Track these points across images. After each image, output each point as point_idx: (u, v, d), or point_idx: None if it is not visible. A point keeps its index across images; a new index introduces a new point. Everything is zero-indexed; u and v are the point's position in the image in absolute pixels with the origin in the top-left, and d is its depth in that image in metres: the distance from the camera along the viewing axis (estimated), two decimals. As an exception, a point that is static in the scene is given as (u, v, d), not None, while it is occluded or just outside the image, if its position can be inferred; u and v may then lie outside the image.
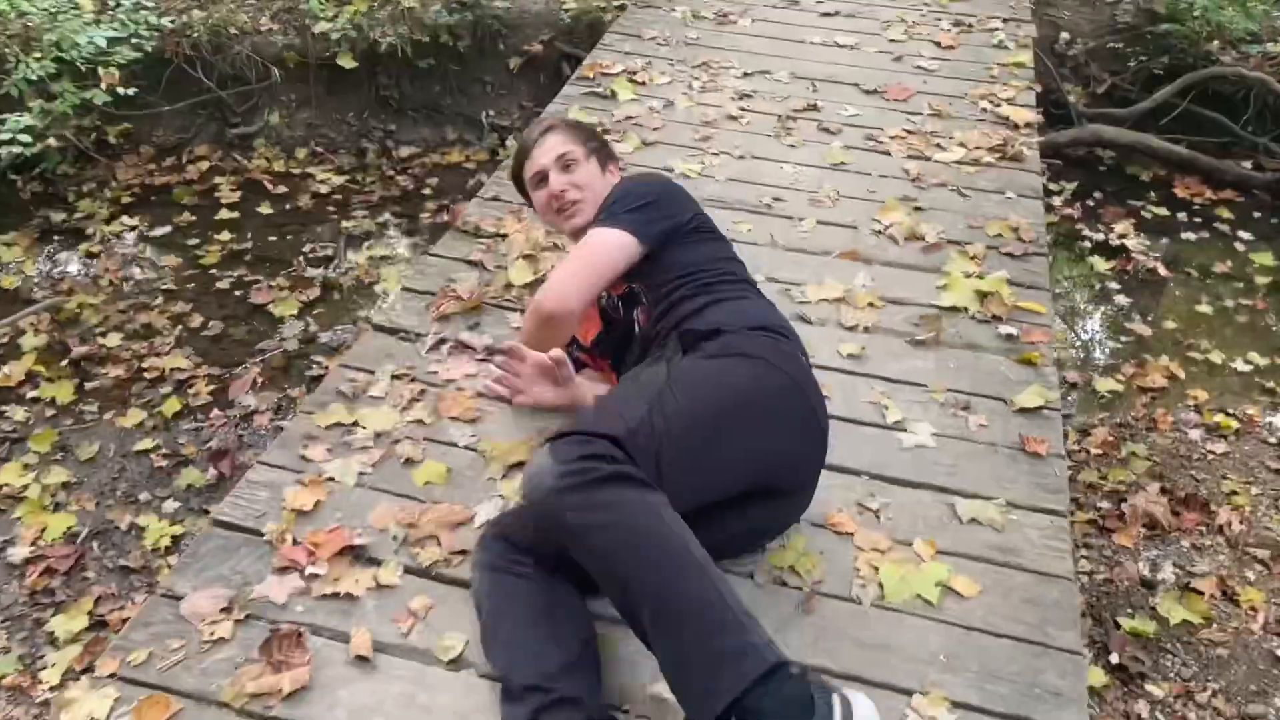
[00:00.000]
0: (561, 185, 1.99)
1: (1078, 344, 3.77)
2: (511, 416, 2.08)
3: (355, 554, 1.77)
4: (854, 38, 4.03)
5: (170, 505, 3.12)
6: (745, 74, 3.69)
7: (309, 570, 1.73)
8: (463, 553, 1.77)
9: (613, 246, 1.84)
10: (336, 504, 1.88)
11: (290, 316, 3.91)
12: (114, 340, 3.75)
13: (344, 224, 4.51)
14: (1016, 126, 3.38)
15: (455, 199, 4.68)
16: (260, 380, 3.62)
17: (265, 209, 4.57)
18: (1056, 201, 4.50)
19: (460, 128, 5.39)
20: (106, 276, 4.09)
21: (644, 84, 3.57)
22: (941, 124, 3.40)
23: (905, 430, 2.11)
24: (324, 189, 4.77)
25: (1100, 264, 4.09)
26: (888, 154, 3.21)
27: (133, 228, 4.44)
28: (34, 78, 3.82)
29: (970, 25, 4.16)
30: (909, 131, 3.34)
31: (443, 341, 2.30)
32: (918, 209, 2.91)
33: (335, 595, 1.70)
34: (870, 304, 2.50)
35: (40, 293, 4.02)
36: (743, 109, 3.45)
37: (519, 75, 5.37)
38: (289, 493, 1.89)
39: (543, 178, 2.02)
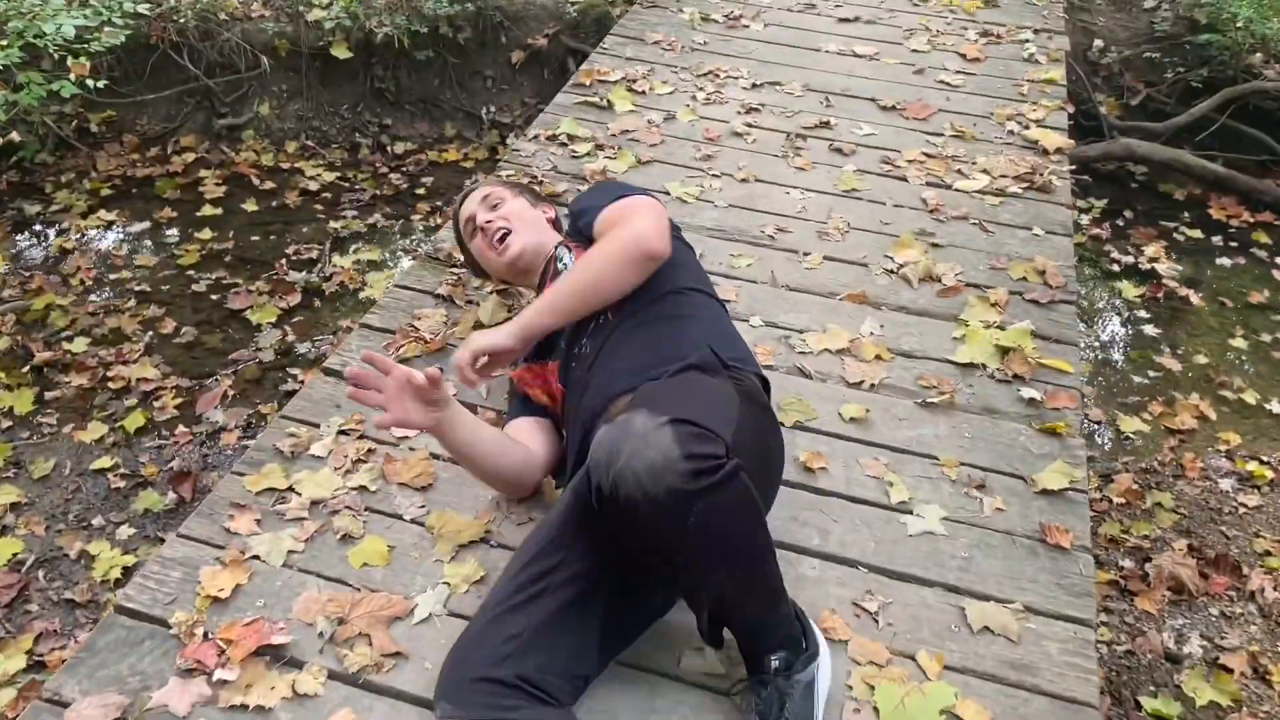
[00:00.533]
0: (488, 218, 1.97)
1: (1101, 376, 3.50)
2: (469, 485, 1.84)
3: (273, 654, 1.54)
4: (873, 47, 3.76)
5: (124, 532, 2.91)
6: (754, 85, 3.43)
7: (218, 674, 1.50)
8: (396, 654, 1.54)
9: (651, 201, 1.85)
10: (259, 589, 1.65)
11: (268, 324, 3.70)
12: (80, 345, 3.54)
13: (331, 224, 4.28)
14: (1046, 152, 3.11)
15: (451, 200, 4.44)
16: (231, 394, 3.41)
17: (250, 205, 4.35)
18: (1084, 219, 4.22)
19: (459, 123, 5.15)
20: (79, 275, 3.88)
21: (643, 94, 3.32)
22: (964, 147, 3.14)
23: (912, 513, 1.87)
24: (313, 186, 4.54)
25: (1128, 289, 3.82)
26: (904, 180, 2.95)
27: (110, 223, 4.23)
28: (-2, 67, 3.59)
29: (998, 36, 3.89)
30: (928, 155, 3.08)
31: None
32: (935, 245, 2.65)
33: (244, 707, 1.47)
34: (878, 356, 2.25)
35: (8, 291, 3.81)
36: (749, 124, 3.19)
37: (521, 70, 5.13)
38: (205, 574, 1.66)
39: (473, 221, 2.00)
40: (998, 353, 2.27)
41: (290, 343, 3.65)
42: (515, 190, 2.07)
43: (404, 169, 4.79)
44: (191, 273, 3.93)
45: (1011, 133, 3.23)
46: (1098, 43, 4.83)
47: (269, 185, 4.52)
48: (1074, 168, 3.46)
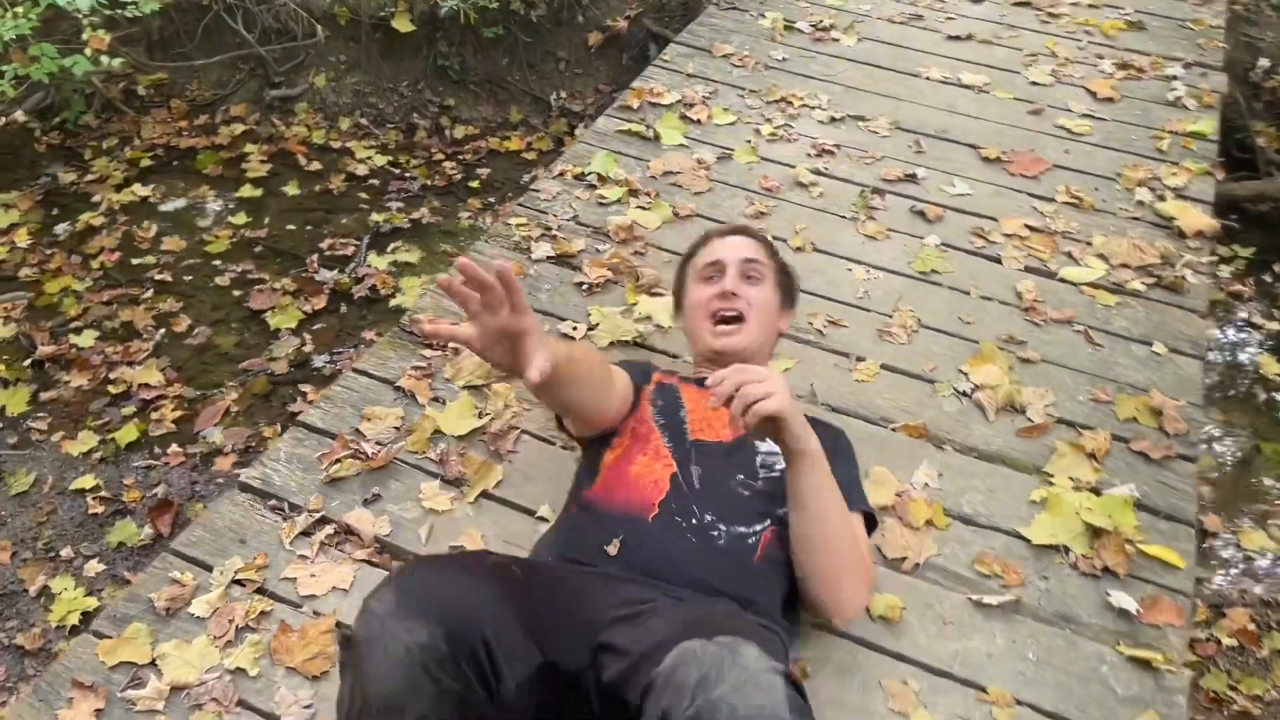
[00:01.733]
0: (735, 288, 1.67)
1: (1221, 474, 2.91)
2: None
3: None
4: (983, 75, 3.17)
5: (93, 568, 2.64)
6: (832, 119, 2.90)
7: None
8: None
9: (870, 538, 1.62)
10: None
11: (287, 330, 3.37)
12: (88, 339, 3.29)
13: (373, 216, 3.93)
14: (1183, 235, 2.52)
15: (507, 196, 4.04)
16: (234, 410, 3.10)
17: (292, 189, 4.03)
18: (1224, 272, 3.56)
19: (526, 108, 4.75)
20: (100, 258, 3.62)
21: (699, 123, 2.83)
22: (1079, 219, 2.57)
23: (939, 782, 1.40)
24: (361, 170, 4.21)
25: (1269, 364, 3.19)
26: (997, 261, 2.41)
27: (144, 198, 3.95)
28: (10, 36, 3.30)
29: (1140, 69, 3.25)
30: (1032, 227, 2.52)
31: (324, 521, 1.67)
32: (1024, 361, 2.12)
33: None
34: (930, 522, 1.76)
35: (26, 270, 3.57)
36: (818, 172, 2.67)
37: (598, 54, 4.69)
38: (11, 791, 1.30)
39: (718, 270, 1.70)
40: (1086, 533, 1.76)
41: (307, 354, 3.33)
42: (777, 276, 1.77)
43: (460, 156, 4.42)
44: (218, 263, 3.64)
45: (1141, 203, 2.64)
46: (1263, 62, 4.09)
47: (315, 166, 4.21)
48: (1217, 195, 2.84)
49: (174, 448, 2.95)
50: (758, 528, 1.47)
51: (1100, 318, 2.27)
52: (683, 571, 1.38)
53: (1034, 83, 3.16)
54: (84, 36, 3.37)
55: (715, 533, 1.43)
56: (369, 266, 3.66)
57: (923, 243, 2.45)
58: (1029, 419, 1.99)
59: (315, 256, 3.68)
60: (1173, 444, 1.95)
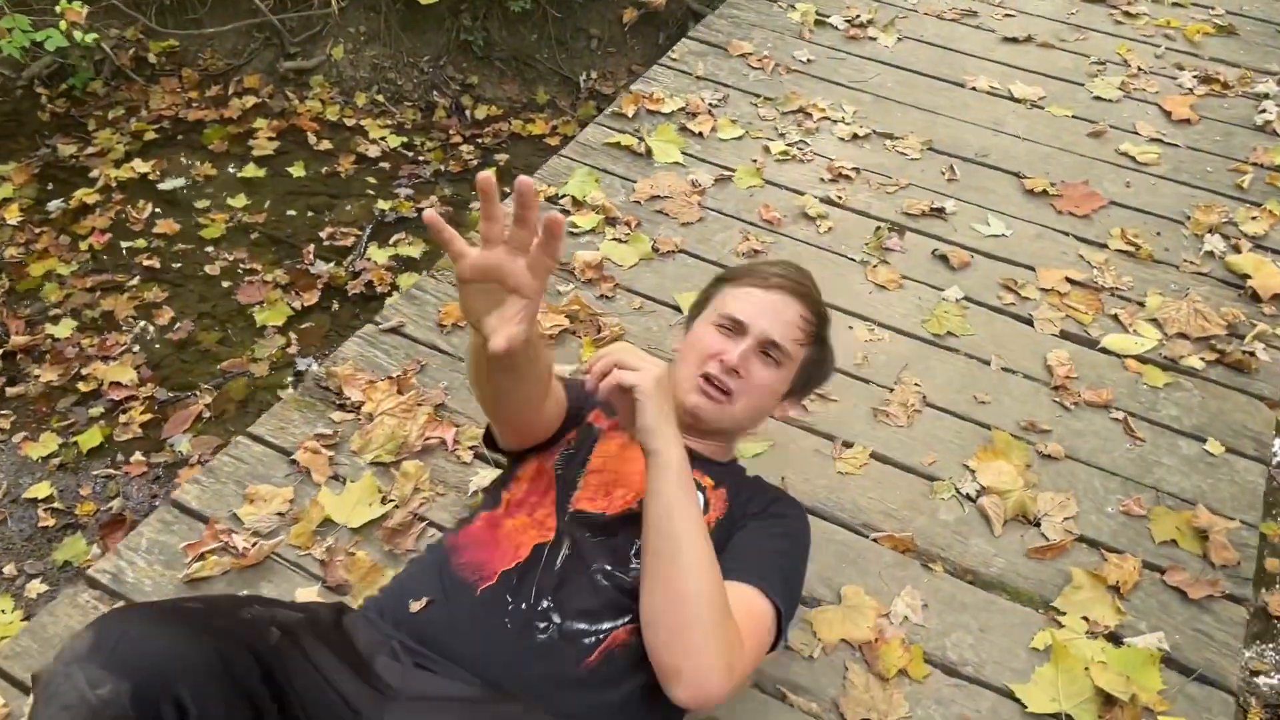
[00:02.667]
0: (741, 365, 1.35)
1: None
2: None
3: None
4: (1039, 87, 2.76)
5: (35, 588, 2.45)
6: (855, 135, 2.54)
7: None
8: None
9: (766, 631, 1.22)
10: None
11: (273, 328, 3.15)
12: (64, 329, 3.11)
13: (379, 204, 3.68)
14: (1257, 298, 2.12)
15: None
16: (207, 415, 2.89)
17: (297, 170, 3.81)
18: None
19: (553, 89, 4.45)
20: (90, 239, 3.44)
21: (700, 136, 2.48)
22: (1133, 272, 2.19)
23: None
24: (373, 151, 3.96)
25: None
26: (1028, 323, 2.05)
27: (142, 175, 3.76)
28: (-18, 9, 3.10)
29: (1225, 84, 2.80)
30: (1075, 282, 2.14)
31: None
32: (1045, 457, 1.77)
33: None
34: (903, 671, 1.44)
35: (11, 250, 3.40)
36: (830, 201, 2.32)
37: (633, 31, 4.39)
38: None
39: (737, 330, 1.38)
40: (1096, 700, 1.42)
41: (290, 355, 3.10)
42: (802, 367, 1.43)
43: (479, 139, 4.14)
44: (210, 249, 3.44)
45: (1210, 254, 2.24)
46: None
47: (325, 145, 3.97)
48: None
49: (137, 456, 2.75)
50: (606, 626, 1.18)
51: (1145, 402, 1.90)
52: (475, 662, 1.13)
53: (1098, 97, 2.74)
54: (58, 9, 3.15)
55: (542, 624, 1.16)
56: (367, 260, 3.42)
57: (941, 296, 2.09)
58: (1043, 535, 1.65)
59: (312, 247, 3.45)
60: (1218, 579, 1.60)
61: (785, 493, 1.47)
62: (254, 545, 1.51)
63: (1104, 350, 2.00)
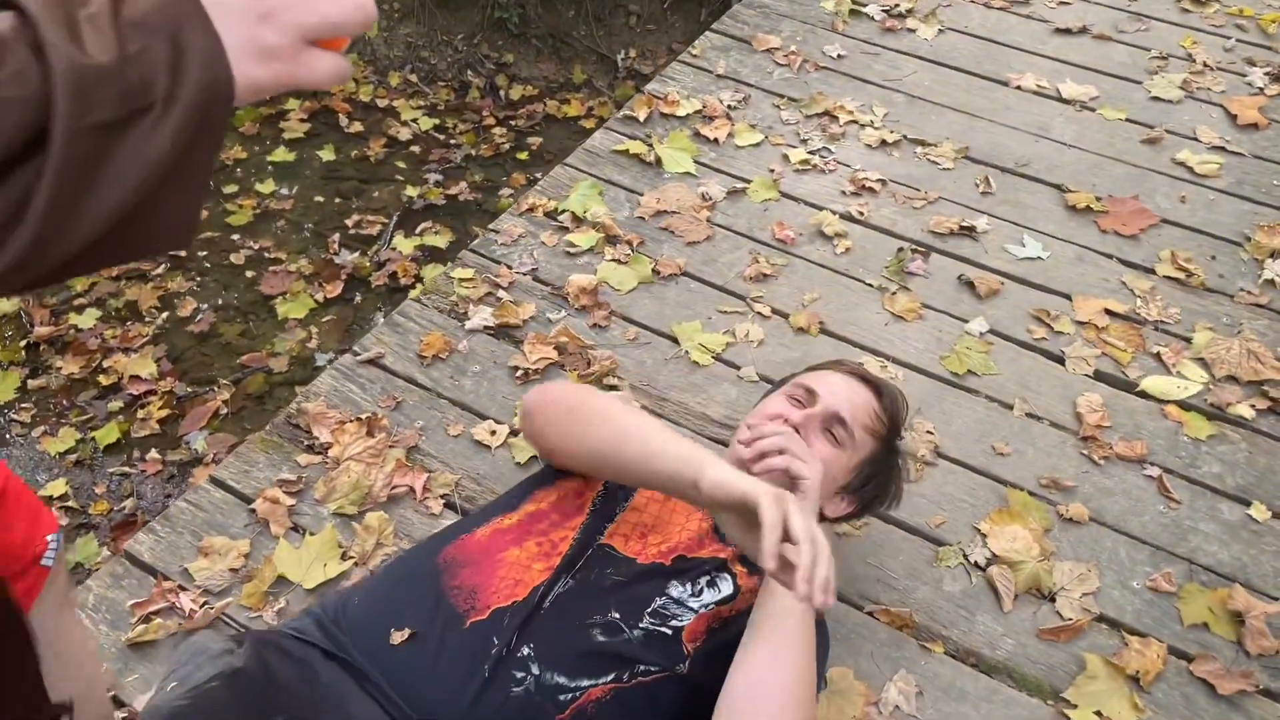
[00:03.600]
0: (800, 424, 1.24)
1: None
2: None
3: None
4: (1092, 85, 2.54)
5: None
6: (884, 141, 2.36)
7: None
8: None
9: None
10: None
11: (295, 321, 3.12)
12: (88, 320, 3.11)
13: (408, 190, 3.62)
14: (1319, 337, 1.92)
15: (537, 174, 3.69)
16: (224, 411, 2.87)
17: (327, 153, 3.76)
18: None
19: (590, 68, 4.34)
20: None
21: (716, 143, 2.33)
22: (1182, 302, 1.99)
23: None
24: (404, 134, 3.90)
25: None
26: (1059, 362, 1.88)
27: None
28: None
29: (1300, 83, 2.56)
30: (1115, 314, 1.96)
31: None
32: (1067, 521, 1.61)
33: None
34: (888, 770, 1.32)
35: None
36: (850, 218, 2.16)
37: (674, 8, 4.27)
38: None
39: (807, 398, 1.28)
40: (1103, 816, 1.28)
41: (310, 350, 3.06)
42: (872, 463, 1.32)
43: (513, 121, 4.04)
44: (236, 237, 3.41)
45: (1271, 282, 2.04)
46: None
47: (356, 128, 3.92)
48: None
49: (153, 454, 2.74)
50: (585, 683, 1.08)
51: (1185, 456, 1.72)
52: (436, 712, 1.04)
53: (1156, 97, 2.52)
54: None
55: (519, 674, 1.06)
56: (393, 249, 3.36)
57: (964, 329, 1.92)
58: (1058, 613, 1.50)
59: (337, 236, 3.40)
60: (1253, 670, 1.43)
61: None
62: (202, 607, 1.44)
63: (1142, 394, 1.82)
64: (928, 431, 1.73)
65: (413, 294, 1.98)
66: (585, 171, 2.23)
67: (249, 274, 3.26)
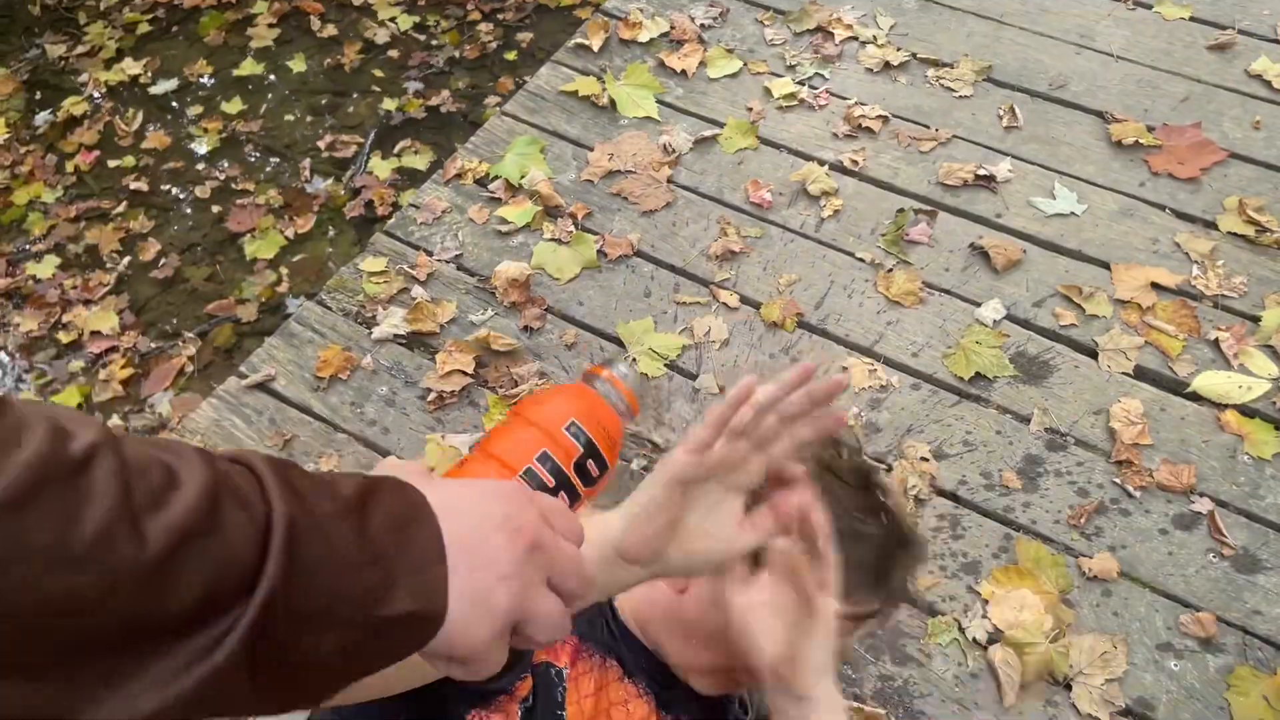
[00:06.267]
0: None
1: None
2: None
3: None
4: (1148, -26, 2.08)
5: None
6: (888, 64, 1.95)
7: None
8: None
9: None
10: None
11: (264, 262, 2.88)
12: (47, 269, 2.92)
13: (385, 103, 3.29)
14: None
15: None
16: (190, 369, 2.66)
17: (298, 64, 3.42)
18: None
19: (586, -56, 3.85)
20: (76, 159, 3.20)
21: (684, 76, 1.94)
22: (1250, 267, 1.61)
23: None
24: (381, 36, 3.52)
25: None
26: (1091, 355, 1.53)
27: (134, 78, 3.45)
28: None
29: None
30: (1163, 288, 1.59)
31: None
32: (1090, 579, 1.31)
33: None
34: None
35: None
36: (842, 169, 1.78)
37: None
38: None
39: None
40: None
41: (281, 295, 2.83)
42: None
43: (500, 15, 3.63)
44: (201, 166, 3.14)
45: (1363, 234, 1.64)
46: None
47: (330, 31, 3.55)
48: None
49: (114, 420, 2.53)
50: None
51: (1245, 484, 1.39)
52: None
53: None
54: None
55: None
56: (369, 173, 3.05)
57: (975, 316, 1.57)
58: (1074, 708, 1.21)
59: (309, 161, 3.10)
60: (1320, 786, 1.15)
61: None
62: None
63: (1193, 396, 1.48)
64: (922, 459, 1.42)
65: (320, 292, 1.68)
66: (526, 121, 1.87)
67: (215, 209, 2.99)
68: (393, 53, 3.46)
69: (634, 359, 1.45)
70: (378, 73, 3.38)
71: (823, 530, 0.69)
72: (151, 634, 0.34)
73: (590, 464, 0.52)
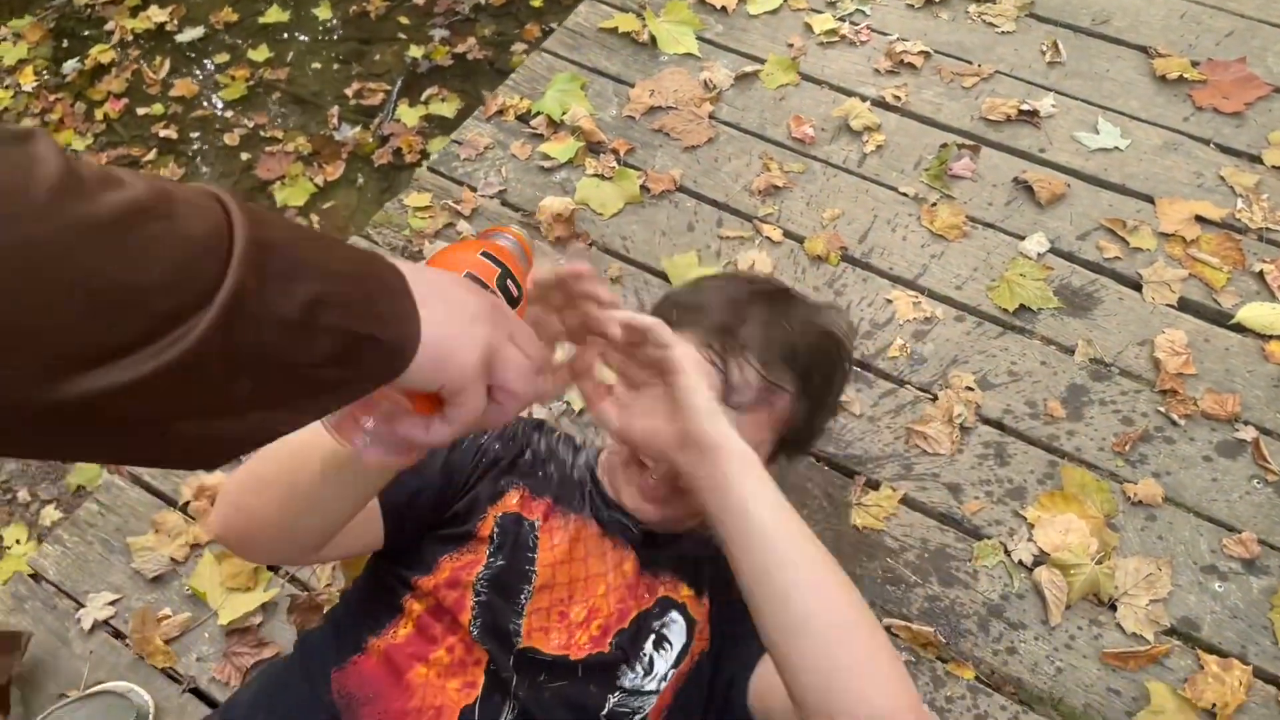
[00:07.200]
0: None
1: None
2: None
3: None
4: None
5: (50, 515, 2.36)
6: (928, 0, 1.93)
7: None
8: None
9: None
10: None
11: (294, 210, 2.92)
12: None
13: (412, 50, 3.29)
14: None
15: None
16: None
17: (323, 11, 3.43)
18: None
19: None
20: (105, 107, 3.22)
21: (725, 11, 1.93)
22: (1294, 201, 1.61)
23: None
24: None
25: None
26: (1135, 288, 1.54)
27: (160, 26, 3.47)
28: None
29: None
30: (1207, 220, 1.59)
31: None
32: (1135, 504, 1.33)
33: None
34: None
35: (28, 121, 3.22)
36: (885, 104, 1.78)
37: None
38: None
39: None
40: None
41: None
42: (784, 425, 1.02)
43: None
44: (229, 114, 3.16)
45: None
46: None
47: None
48: None
49: None
50: None
51: (1290, 419, 1.40)
52: None
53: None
54: None
55: None
56: (397, 120, 3.05)
57: (1019, 249, 1.58)
58: (1118, 625, 1.24)
59: (337, 109, 3.11)
60: (1362, 703, 1.17)
61: None
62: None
63: (1237, 327, 1.49)
64: (967, 388, 1.43)
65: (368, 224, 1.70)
66: (566, 59, 1.87)
67: (244, 155, 3.01)
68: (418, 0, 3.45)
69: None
70: (403, 20, 3.37)
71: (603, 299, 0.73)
72: (118, 306, 0.34)
73: (510, 283, 0.58)
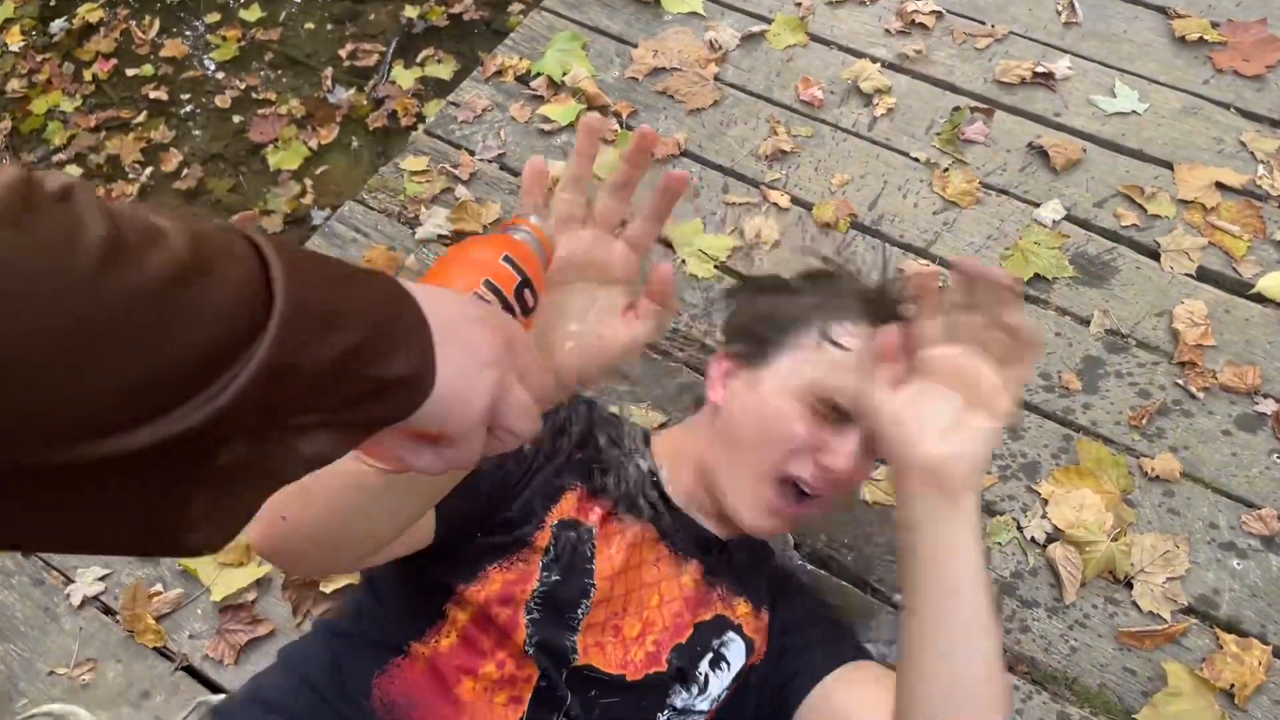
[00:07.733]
0: (849, 468, 0.91)
1: None
2: None
3: None
4: None
5: None
6: (941, -44, 1.87)
7: None
8: None
9: None
10: None
11: (288, 173, 2.87)
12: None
13: (407, 10, 3.22)
14: None
15: None
16: None
17: None
18: None
19: None
20: (95, 66, 3.17)
21: (730, -32, 1.87)
22: (1316, 167, 1.57)
23: None
24: None
25: None
26: (1154, 256, 1.49)
27: None
28: None
29: None
30: (1227, 187, 1.55)
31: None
32: (1152, 479, 1.29)
33: None
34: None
35: (15, 82, 3.17)
36: (895, 67, 1.73)
37: None
38: None
39: (840, 421, 0.91)
40: None
41: (306, 206, 2.81)
42: None
43: None
44: (221, 75, 3.10)
45: None
46: None
47: None
48: None
49: None
50: None
51: (1311, 388, 1.36)
52: None
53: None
54: None
55: None
56: (392, 83, 2.99)
57: (1033, 217, 1.54)
58: (1135, 606, 1.21)
59: (330, 70, 3.04)
60: (1383, 681, 1.14)
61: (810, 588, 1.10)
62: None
63: (1258, 297, 1.45)
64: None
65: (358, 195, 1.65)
66: (566, 18, 1.81)
67: (236, 119, 2.95)
68: (413, -45, 3.36)
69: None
70: (399, -21, 3.29)
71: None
72: (160, 372, 0.33)
73: (527, 292, 0.56)
